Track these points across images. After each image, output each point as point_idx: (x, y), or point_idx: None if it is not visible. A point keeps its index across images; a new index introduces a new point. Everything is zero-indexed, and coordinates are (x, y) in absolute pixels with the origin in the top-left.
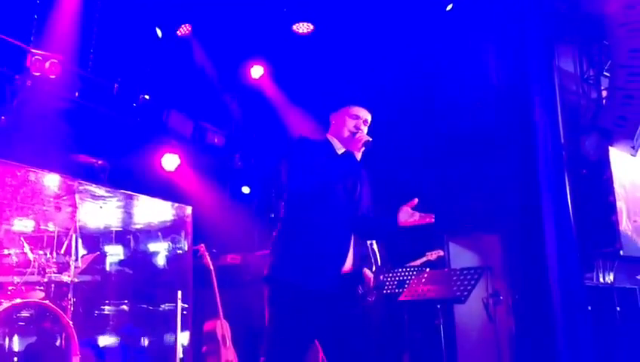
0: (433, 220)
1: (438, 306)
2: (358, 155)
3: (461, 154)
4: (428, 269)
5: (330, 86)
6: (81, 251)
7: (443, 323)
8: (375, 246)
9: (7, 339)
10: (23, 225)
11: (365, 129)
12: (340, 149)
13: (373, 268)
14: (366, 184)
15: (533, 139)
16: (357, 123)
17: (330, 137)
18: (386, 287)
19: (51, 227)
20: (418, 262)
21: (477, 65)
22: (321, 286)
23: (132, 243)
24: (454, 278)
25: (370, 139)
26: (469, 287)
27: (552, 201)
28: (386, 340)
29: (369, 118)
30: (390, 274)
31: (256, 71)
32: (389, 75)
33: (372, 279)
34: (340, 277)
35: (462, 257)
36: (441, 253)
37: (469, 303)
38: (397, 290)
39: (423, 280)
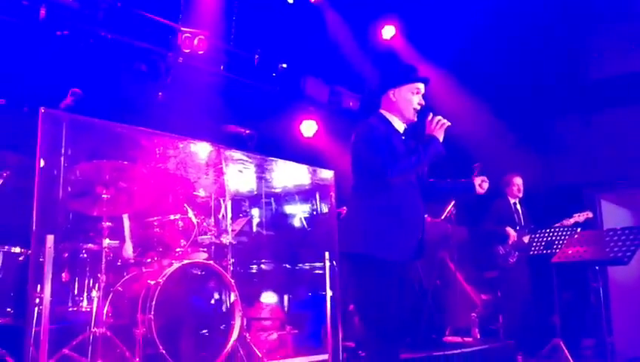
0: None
1: (597, 268)
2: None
3: (612, 100)
4: (579, 230)
5: (468, 37)
6: (230, 215)
7: (597, 285)
8: (519, 206)
9: (178, 297)
10: (184, 192)
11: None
12: (399, 124)
13: (517, 228)
14: None
15: None
16: (420, 100)
17: (386, 113)
18: (532, 248)
19: (207, 193)
20: (565, 223)
21: (629, 4)
22: (404, 257)
23: (276, 207)
24: (615, 238)
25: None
26: (632, 248)
27: None
28: (534, 303)
29: (424, 90)
30: (537, 235)
31: (388, 31)
32: (532, 18)
33: (514, 239)
34: (417, 247)
35: (615, 215)
36: (590, 215)
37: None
38: (545, 251)
39: (577, 241)
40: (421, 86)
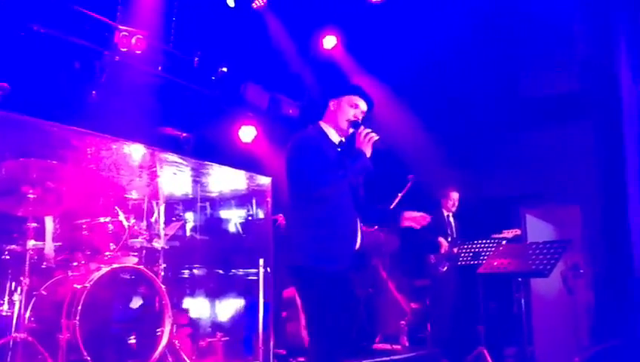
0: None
1: (520, 279)
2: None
3: (539, 120)
4: (505, 242)
5: (405, 54)
6: (163, 218)
7: (520, 295)
8: (452, 219)
9: (106, 302)
10: (116, 194)
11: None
12: (334, 135)
13: (449, 239)
14: None
15: (619, 106)
16: (356, 113)
17: (323, 124)
18: (460, 259)
19: (140, 196)
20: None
21: (561, 27)
22: (342, 267)
23: (211, 211)
24: (537, 251)
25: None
26: (552, 261)
27: (638, 170)
28: (461, 312)
29: (365, 109)
30: (465, 246)
31: (329, 41)
32: (466, 38)
33: (446, 248)
34: (354, 256)
35: (539, 229)
36: (519, 232)
37: None
38: (472, 262)
39: (502, 253)
40: (360, 102)
